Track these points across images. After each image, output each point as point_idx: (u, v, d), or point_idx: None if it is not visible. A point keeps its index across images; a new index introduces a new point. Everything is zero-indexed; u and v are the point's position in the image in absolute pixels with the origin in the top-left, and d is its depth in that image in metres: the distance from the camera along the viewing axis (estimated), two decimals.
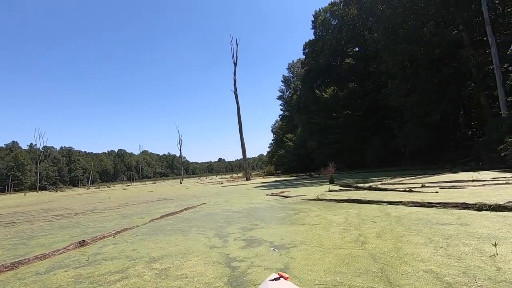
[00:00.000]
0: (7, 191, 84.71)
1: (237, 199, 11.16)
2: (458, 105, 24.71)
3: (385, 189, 9.47)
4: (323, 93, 40.61)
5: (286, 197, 10.01)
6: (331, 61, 46.84)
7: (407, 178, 14.25)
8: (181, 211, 8.50)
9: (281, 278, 1.43)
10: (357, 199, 7.29)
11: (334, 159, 39.99)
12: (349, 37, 44.28)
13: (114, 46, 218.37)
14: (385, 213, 5.56)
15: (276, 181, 24.57)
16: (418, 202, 6.02)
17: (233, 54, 35.88)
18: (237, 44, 35.69)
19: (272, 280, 1.42)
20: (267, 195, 11.24)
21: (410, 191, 8.48)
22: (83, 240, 4.88)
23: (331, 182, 15.36)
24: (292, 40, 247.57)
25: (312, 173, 30.14)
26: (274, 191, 13.12)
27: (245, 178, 34.47)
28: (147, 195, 19.69)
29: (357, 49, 46.31)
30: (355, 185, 10.99)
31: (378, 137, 35.35)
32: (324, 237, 4.07)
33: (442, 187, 8.92)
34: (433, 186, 9.40)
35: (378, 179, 15.24)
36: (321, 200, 8.26)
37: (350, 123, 38.27)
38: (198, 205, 9.75)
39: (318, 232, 4.44)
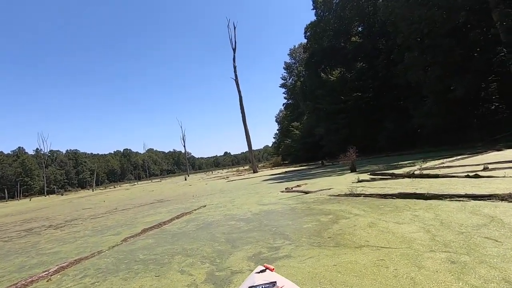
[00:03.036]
0: (17, 197, 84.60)
1: (244, 197, 9.07)
2: (486, 77, 22.01)
3: (436, 176, 7.24)
4: (329, 76, 37.90)
5: (306, 192, 7.87)
6: (335, 43, 43.97)
7: (445, 160, 11.96)
8: (171, 220, 6.43)
9: (267, 270, 1.40)
10: (416, 193, 5.09)
11: (344, 145, 37.71)
12: (353, 15, 41.17)
13: (110, 45, 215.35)
14: (487, 217, 3.38)
15: (286, 172, 22.44)
16: None
17: (231, 39, 33.33)
18: (234, 28, 33.09)
19: (258, 272, 1.39)
20: (281, 191, 9.07)
21: (477, 176, 6.27)
22: None
23: (353, 170, 13.19)
24: (291, 25, 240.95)
25: (324, 161, 27.96)
26: (288, 184, 10.99)
27: (252, 171, 32.43)
28: (145, 195, 17.79)
29: (360, 28, 43.23)
30: (391, 172, 8.77)
31: (391, 118, 32.91)
32: None
33: None
34: (498, 169, 7.17)
35: (409, 163, 12.99)
36: (358, 195, 6.10)
37: (359, 105, 35.77)
38: (195, 210, 7.67)
39: (404, 270, 2.29)
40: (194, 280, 2.74)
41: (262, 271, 1.40)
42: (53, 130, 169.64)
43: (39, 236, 7.05)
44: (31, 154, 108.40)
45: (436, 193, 4.92)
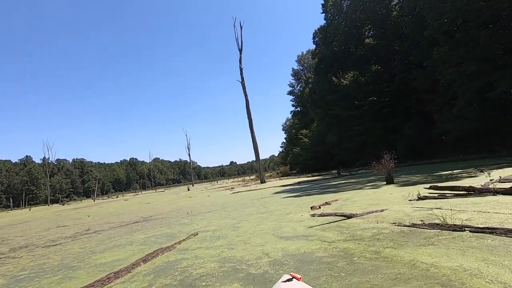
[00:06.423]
0: (22, 206, 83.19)
1: (254, 220, 6.40)
2: None
3: None
4: (342, 80, 35.31)
5: (348, 216, 5.18)
6: (346, 47, 41.63)
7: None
8: (134, 265, 3.79)
9: (293, 279, 1.34)
10: None
11: (358, 153, 34.79)
12: (365, 17, 38.78)
13: (116, 52, 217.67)
14: None
15: (299, 182, 19.68)
16: None
17: (237, 39, 31.22)
18: (241, 27, 31.02)
19: (285, 281, 1.33)
20: (310, 214, 6.20)
21: None
22: None
23: (390, 181, 10.42)
24: (298, 32, 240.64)
25: (340, 170, 25.12)
26: (308, 199, 8.30)
27: (259, 181, 29.66)
28: (136, 210, 15.23)
29: (372, 32, 40.79)
30: (468, 185, 6.01)
31: (411, 124, 30.19)
32: None
33: None
34: None
35: (462, 173, 10.18)
36: (460, 228, 3.42)
37: (375, 111, 33.04)
38: (179, 242, 5.02)
39: None
40: None
41: (288, 280, 1.34)
42: (60, 139, 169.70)
43: None
44: (38, 163, 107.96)
45: None
